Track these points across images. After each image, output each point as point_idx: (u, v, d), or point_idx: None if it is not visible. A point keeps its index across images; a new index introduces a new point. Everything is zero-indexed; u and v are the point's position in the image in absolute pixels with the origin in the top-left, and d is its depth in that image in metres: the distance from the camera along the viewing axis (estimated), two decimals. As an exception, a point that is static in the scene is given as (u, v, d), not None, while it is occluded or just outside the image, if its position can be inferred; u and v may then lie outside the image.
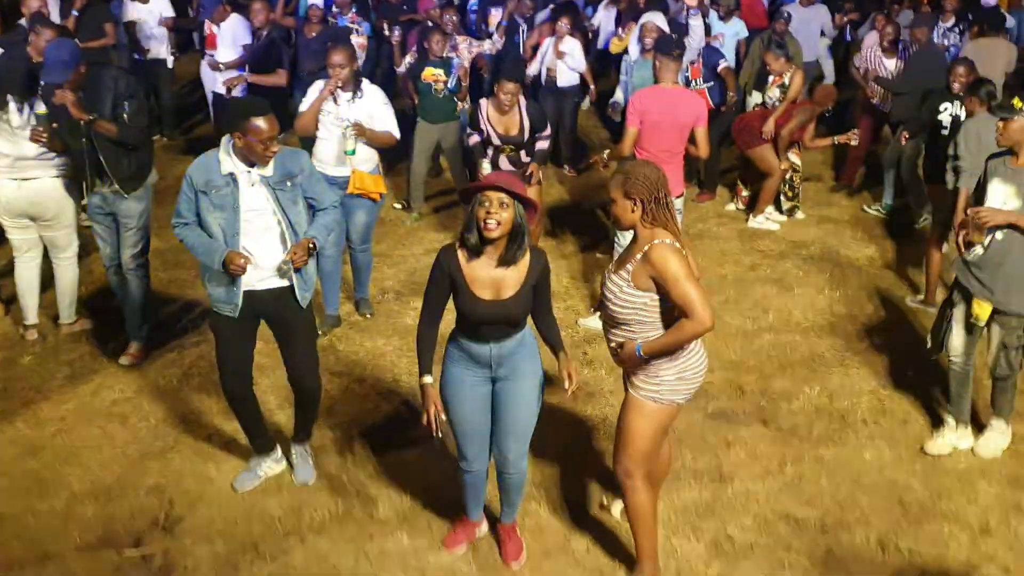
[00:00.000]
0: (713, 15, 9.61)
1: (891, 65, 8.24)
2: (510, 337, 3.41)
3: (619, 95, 7.12)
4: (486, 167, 6.03)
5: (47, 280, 5.59)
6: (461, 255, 3.32)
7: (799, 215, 7.82)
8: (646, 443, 3.36)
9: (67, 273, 5.49)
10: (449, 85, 7.38)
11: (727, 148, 8.40)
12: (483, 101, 6.14)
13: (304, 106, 5.44)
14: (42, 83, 4.84)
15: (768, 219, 7.62)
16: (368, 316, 5.91)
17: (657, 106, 5.43)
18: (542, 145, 6.21)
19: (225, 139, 3.78)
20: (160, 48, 9.21)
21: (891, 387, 5.16)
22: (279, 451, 4.33)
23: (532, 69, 8.60)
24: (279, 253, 3.86)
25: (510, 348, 3.42)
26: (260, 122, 3.63)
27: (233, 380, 4.03)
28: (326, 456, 4.46)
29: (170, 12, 9.26)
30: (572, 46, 8.38)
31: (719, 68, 7.59)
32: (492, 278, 3.30)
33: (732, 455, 4.52)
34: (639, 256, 3.18)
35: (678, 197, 5.53)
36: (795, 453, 4.54)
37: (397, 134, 5.55)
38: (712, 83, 7.61)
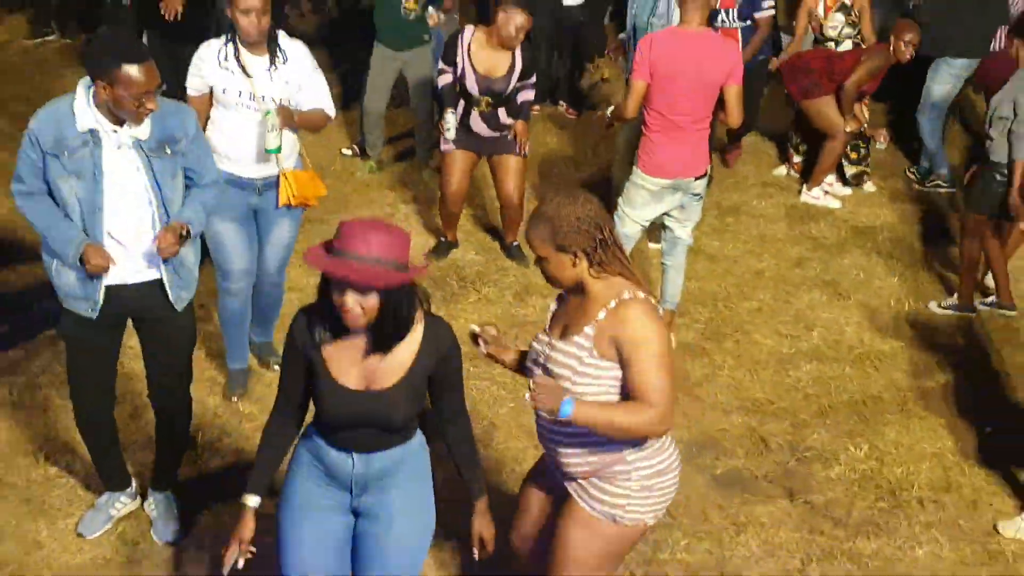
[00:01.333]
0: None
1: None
2: (385, 449, 2.79)
3: (621, 34, 6.60)
4: (450, 125, 5.58)
5: None
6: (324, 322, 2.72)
7: (868, 186, 7.31)
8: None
9: None
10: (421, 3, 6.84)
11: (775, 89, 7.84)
12: (469, 28, 5.67)
13: (193, 82, 4.38)
14: None
15: (827, 193, 7.12)
16: (276, 368, 4.87)
17: (674, 55, 4.85)
18: (527, 96, 5.76)
19: (83, 85, 3.36)
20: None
21: (963, 450, 4.71)
22: (135, 485, 4.08)
23: None
24: (150, 237, 3.47)
25: (383, 466, 2.80)
26: (134, 71, 3.19)
27: (90, 400, 3.78)
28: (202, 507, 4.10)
29: None
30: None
31: (760, 15, 6.90)
32: (363, 360, 2.72)
33: (740, 545, 4.08)
34: (601, 316, 2.72)
35: (700, 177, 5.06)
36: (825, 545, 4.10)
37: (332, 112, 4.65)
38: (748, 22, 6.96)
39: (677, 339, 5.41)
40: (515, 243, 6.18)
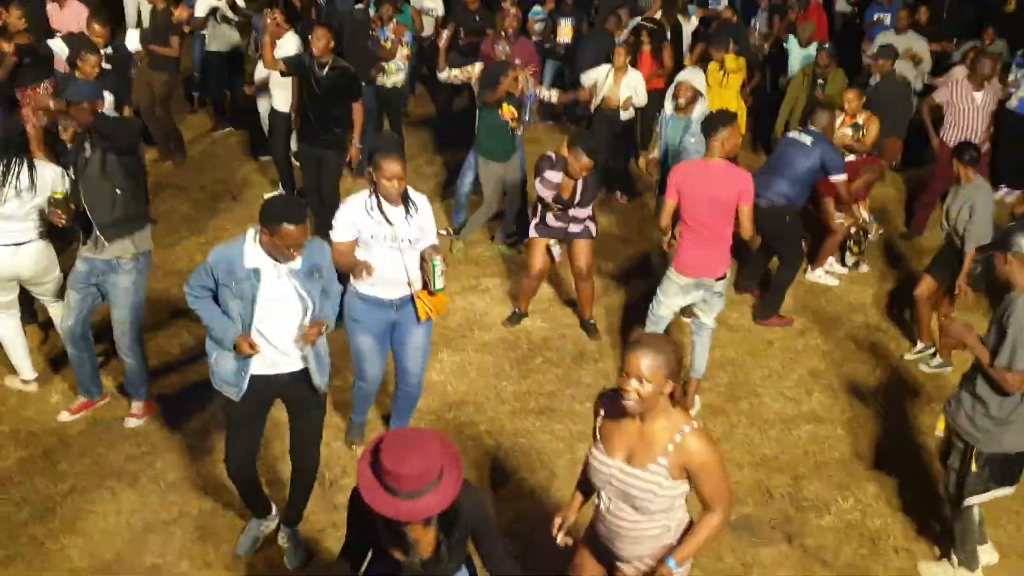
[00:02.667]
0: (792, 40, 9.03)
1: (979, 99, 7.60)
2: None
3: (655, 152, 6.73)
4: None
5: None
6: None
7: (863, 268, 7.29)
8: None
9: (58, 311, 5.10)
10: (523, 121, 7.04)
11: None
12: (552, 155, 5.77)
13: (342, 232, 4.30)
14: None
15: (828, 272, 7.12)
16: (356, 449, 4.98)
17: (695, 182, 5.04)
18: (589, 219, 5.96)
19: (252, 230, 3.63)
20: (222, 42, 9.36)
21: (933, 503, 4.68)
22: (274, 510, 4.26)
23: (593, 105, 8.16)
24: (294, 336, 3.74)
25: None
26: (292, 229, 3.46)
27: (237, 461, 3.94)
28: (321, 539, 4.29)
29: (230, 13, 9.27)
30: (634, 79, 7.92)
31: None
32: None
33: (747, 583, 4.18)
34: (670, 448, 2.79)
35: (719, 279, 5.15)
36: (816, 585, 4.19)
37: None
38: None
39: (702, 401, 5.50)
40: (591, 320, 6.24)
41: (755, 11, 11.69)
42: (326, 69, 6.61)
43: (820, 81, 8.30)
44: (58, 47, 6.67)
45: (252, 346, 3.65)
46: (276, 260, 3.60)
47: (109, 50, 6.80)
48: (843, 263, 7.26)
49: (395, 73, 8.42)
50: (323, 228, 7.15)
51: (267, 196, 7.95)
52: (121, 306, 4.79)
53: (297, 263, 3.64)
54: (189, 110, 10.27)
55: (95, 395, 5.13)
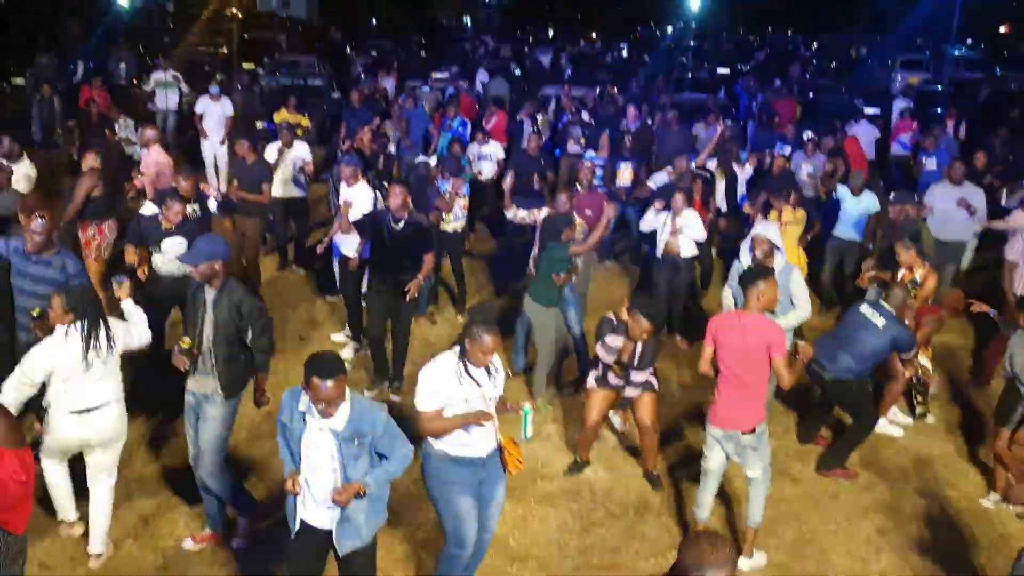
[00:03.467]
0: (842, 189, 9.23)
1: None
2: None
3: (727, 299, 6.88)
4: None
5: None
6: None
7: (929, 419, 7.22)
8: None
9: (106, 498, 5.04)
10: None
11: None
12: (613, 318, 5.91)
13: (430, 400, 4.32)
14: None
15: (892, 422, 7.07)
16: None
17: (728, 332, 5.19)
18: (650, 379, 6.11)
19: None
20: (298, 189, 9.92)
21: None
22: None
23: (658, 250, 8.42)
24: (330, 491, 3.91)
25: None
26: (320, 384, 3.68)
27: None
28: None
29: (308, 157, 9.83)
30: (690, 218, 8.17)
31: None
32: None
33: None
34: None
35: (747, 433, 5.14)
36: None
37: None
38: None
39: (768, 558, 5.42)
40: (655, 472, 6.27)
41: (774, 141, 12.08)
42: (401, 223, 6.94)
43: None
44: (148, 210, 7.17)
45: (294, 485, 3.87)
46: (317, 412, 3.78)
47: (194, 208, 7.30)
48: (912, 413, 7.21)
49: (455, 221, 8.82)
50: (395, 377, 7.37)
51: (333, 337, 8.36)
52: (207, 436, 4.98)
53: (339, 423, 3.80)
54: (263, 251, 10.76)
55: (219, 528, 5.29)
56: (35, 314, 4.99)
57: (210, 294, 4.88)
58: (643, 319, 5.67)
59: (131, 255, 6.93)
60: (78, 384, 4.67)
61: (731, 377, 5.15)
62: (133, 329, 5.10)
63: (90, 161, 7.80)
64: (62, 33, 24.53)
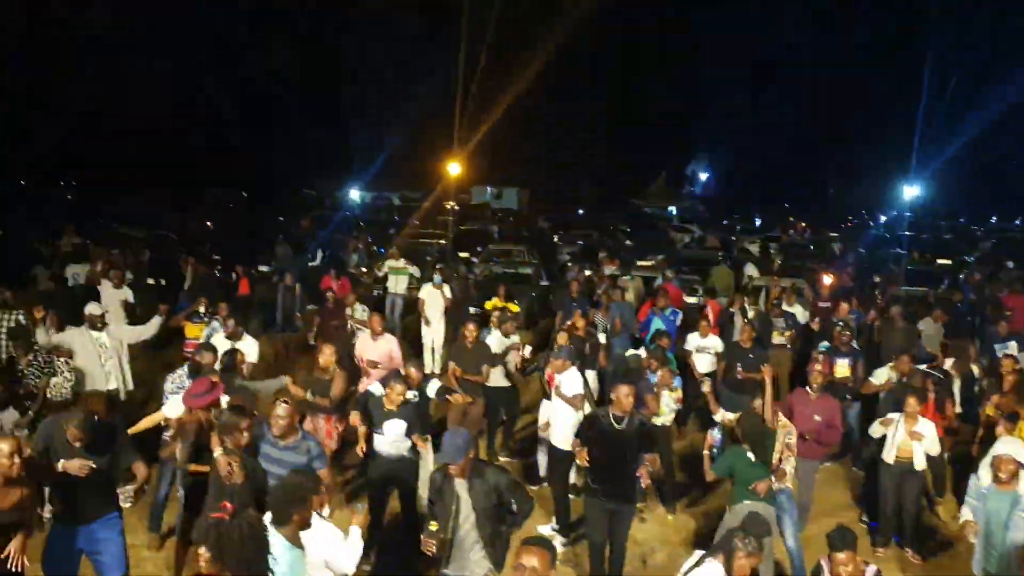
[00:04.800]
0: None
1: None
2: None
3: (966, 515, 6.34)
4: None
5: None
6: None
7: None
8: None
9: None
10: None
11: None
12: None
13: None
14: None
15: None
16: None
17: None
18: None
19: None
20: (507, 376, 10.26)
21: None
22: None
23: (887, 456, 7.94)
24: None
25: None
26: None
27: None
28: None
29: (520, 343, 10.28)
30: (924, 428, 7.71)
31: None
32: None
33: None
34: None
35: None
36: None
37: None
38: None
39: None
40: None
41: None
42: (623, 421, 6.88)
43: None
44: (377, 390, 7.67)
45: None
46: None
47: (414, 393, 7.75)
48: None
49: (666, 414, 8.79)
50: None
51: (540, 529, 8.34)
52: None
53: None
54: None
55: None
56: None
57: (460, 484, 5.11)
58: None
59: (355, 420, 7.37)
60: None
61: None
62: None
63: (328, 355, 8.39)
64: (294, 227, 27.40)
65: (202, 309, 11.29)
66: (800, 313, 13.48)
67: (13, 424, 7.72)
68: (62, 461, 5.47)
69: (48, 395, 8.43)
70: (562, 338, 9.58)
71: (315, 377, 8.22)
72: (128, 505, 7.68)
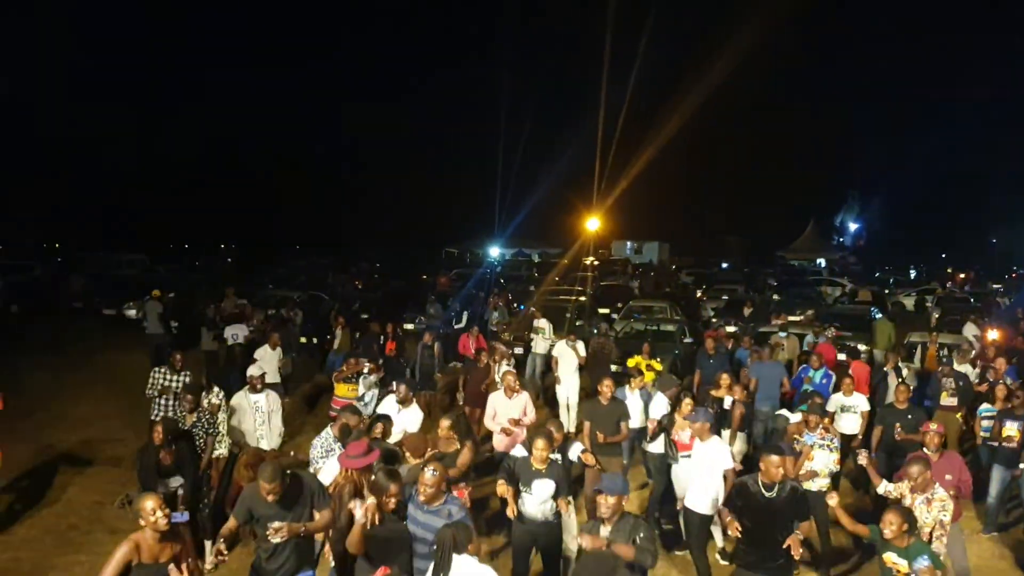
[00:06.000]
0: None
1: None
2: None
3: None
4: None
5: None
6: None
7: None
8: None
9: None
10: None
11: None
12: None
13: None
14: None
15: None
16: None
17: None
18: None
19: None
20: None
21: None
22: None
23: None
24: None
25: None
26: None
27: None
28: None
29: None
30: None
31: None
32: None
33: None
34: None
35: None
36: None
37: None
38: None
39: None
40: None
41: None
42: (774, 489, 6.61)
43: None
44: (519, 452, 7.74)
45: None
46: None
47: (557, 456, 7.75)
48: None
49: (826, 476, 8.44)
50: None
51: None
52: None
53: None
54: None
55: None
56: None
57: (604, 530, 5.24)
58: None
59: (502, 490, 7.28)
60: None
61: None
62: None
63: (445, 428, 8.21)
64: (431, 285, 28.02)
65: (366, 369, 11.45)
66: (971, 372, 12.74)
67: (178, 486, 8.14)
68: (271, 526, 5.83)
69: (213, 455, 8.92)
70: (687, 405, 9.09)
71: (442, 452, 8.14)
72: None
